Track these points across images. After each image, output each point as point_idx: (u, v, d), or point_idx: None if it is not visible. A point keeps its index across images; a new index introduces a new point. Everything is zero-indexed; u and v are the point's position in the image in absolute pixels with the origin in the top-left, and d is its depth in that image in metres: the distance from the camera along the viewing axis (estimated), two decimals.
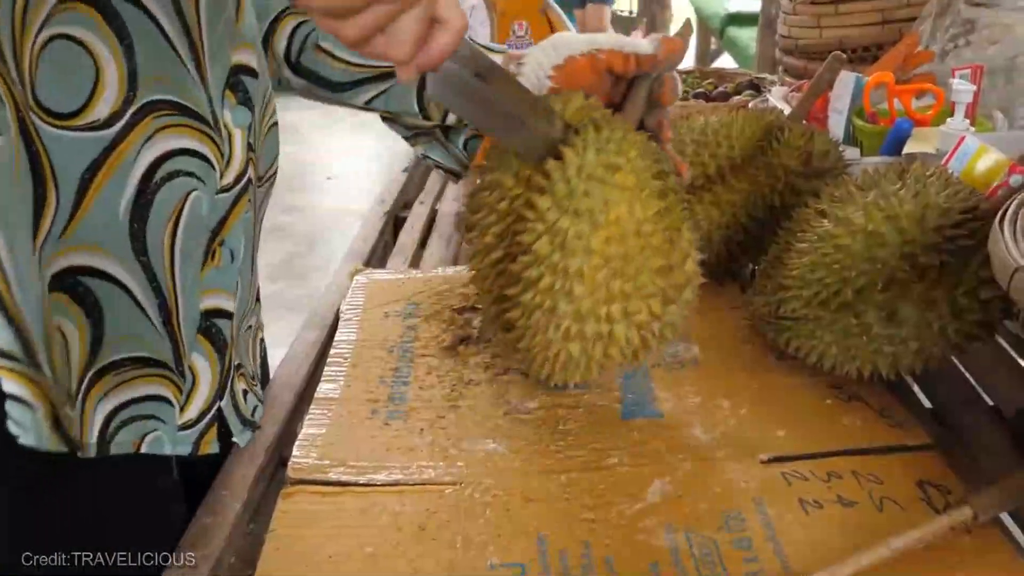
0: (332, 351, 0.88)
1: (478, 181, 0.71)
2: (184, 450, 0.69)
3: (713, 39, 4.95)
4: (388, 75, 0.86)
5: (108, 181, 0.60)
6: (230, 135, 0.68)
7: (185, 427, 0.69)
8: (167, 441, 0.68)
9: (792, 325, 0.77)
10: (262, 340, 0.88)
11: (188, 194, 0.65)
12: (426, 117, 0.88)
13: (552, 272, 0.64)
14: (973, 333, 0.72)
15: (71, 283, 0.61)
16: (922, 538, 0.58)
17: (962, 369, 0.82)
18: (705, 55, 5.16)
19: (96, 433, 0.64)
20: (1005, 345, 0.85)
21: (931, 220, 0.72)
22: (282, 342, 0.96)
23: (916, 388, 0.81)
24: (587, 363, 0.68)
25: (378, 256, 1.26)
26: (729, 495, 0.66)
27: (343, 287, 1.04)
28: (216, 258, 0.69)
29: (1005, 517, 0.62)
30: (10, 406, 0.60)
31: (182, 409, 0.68)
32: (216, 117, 0.66)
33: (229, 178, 0.69)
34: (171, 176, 0.63)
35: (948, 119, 1.06)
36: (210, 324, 0.69)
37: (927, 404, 0.79)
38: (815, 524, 0.62)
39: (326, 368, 0.86)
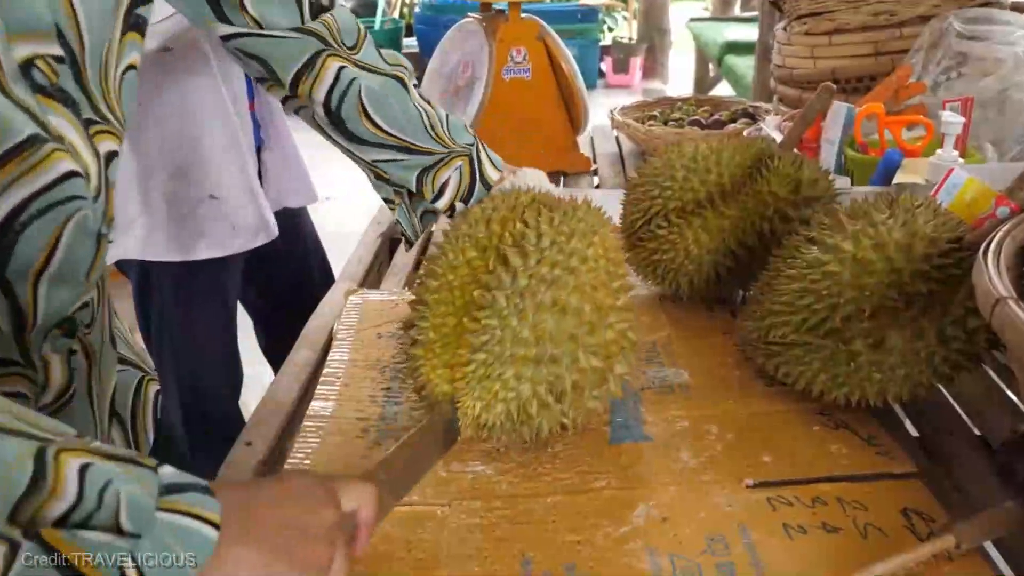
0: (325, 370, 0.89)
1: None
2: None
3: (711, 66, 4.99)
4: (409, 150, 0.88)
5: None
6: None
7: None
8: None
9: (781, 351, 0.78)
10: (156, 395, 0.81)
11: None
12: (419, 191, 0.90)
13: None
14: (960, 362, 0.73)
15: None
16: (904, 564, 0.59)
17: (949, 398, 0.83)
18: (703, 83, 5.20)
19: None
20: (992, 375, 0.86)
21: (919, 249, 0.73)
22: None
23: (903, 417, 0.81)
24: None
25: (373, 277, 1.26)
26: (714, 519, 0.66)
27: (337, 307, 1.04)
28: None
29: (987, 544, 0.62)
30: None
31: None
32: None
33: None
34: None
35: (938, 150, 1.08)
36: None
37: (914, 433, 0.80)
38: (799, 549, 0.63)
39: (318, 387, 0.86)
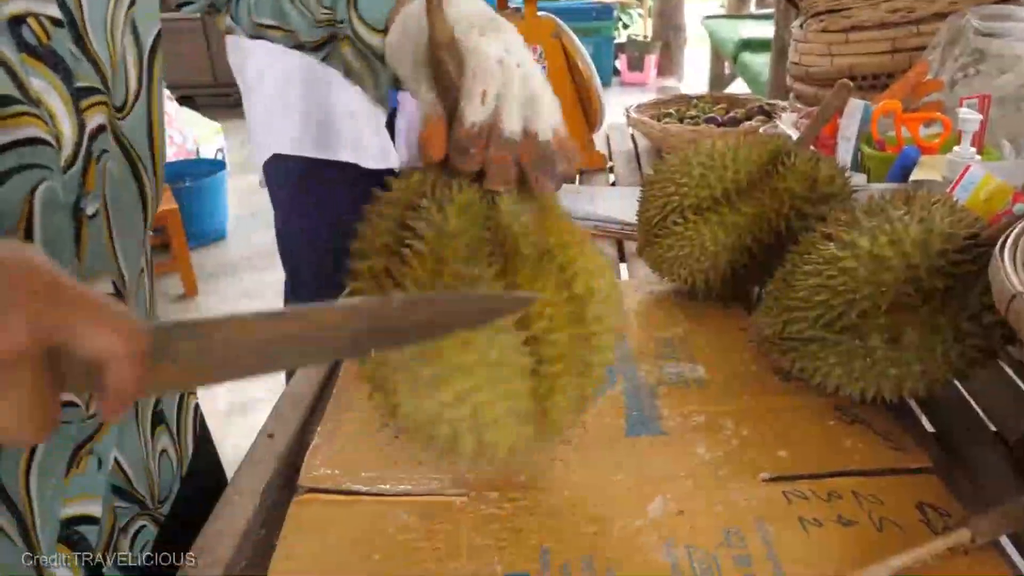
0: (343, 363, 0.90)
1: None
2: None
3: (727, 64, 4.98)
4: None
5: None
6: None
7: None
8: None
9: (797, 346, 0.79)
10: (195, 408, 0.85)
11: None
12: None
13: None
14: (976, 357, 0.73)
15: None
16: (920, 557, 0.59)
17: (965, 394, 0.83)
18: (718, 80, 5.19)
19: None
20: (1009, 371, 0.86)
21: (935, 245, 0.73)
22: None
23: (919, 412, 0.82)
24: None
25: None
26: (730, 512, 0.67)
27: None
28: (80, 466, 0.63)
29: (1003, 538, 0.63)
30: None
31: None
32: None
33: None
34: None
35: (955, 147, 1.08)
36: (72, 532, 0.63)
37: (930, 428, 0.80)
38: (814, 542, 0.63)
39: (338, 380, 0.87)
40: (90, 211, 0.59)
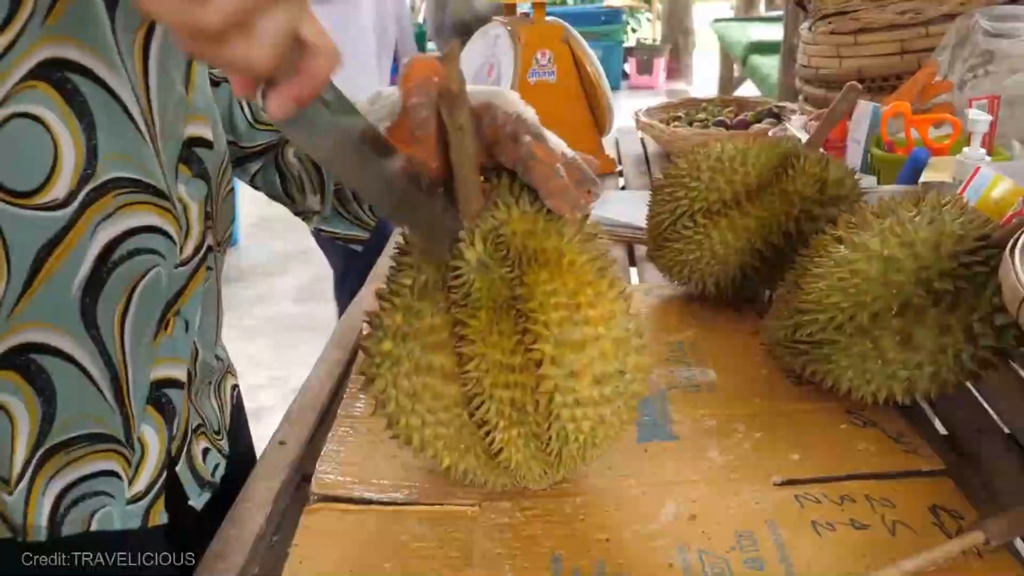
0: (355, 371, 0.90)
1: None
2: (133, 524, 0.67)
3: (736, 67, 4.97)
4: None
5: (63, 259, 0.58)
6: (186, 208, 0.67)
7: (134, 500, 0.67)
8: (116, 517, 0.65)
9: (808, 349, 0.78)
10: (234, 388, 0.87)
11: (148, 270, 0.63)
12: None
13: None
14: (988, 359, 0.73)
15: (22, 361, 0.59)
16: (934, 560, 0.59)
17: (977, 396, 0.83)
18: (727, 83, 5.18)
19: (46, 515, 0.62)
20: (1021, 372, 0.86)
21: (946, 247, 0.73)
22: (307, 362, 0.98)
23: (932, 414, 0.81)
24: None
25: None
26: (742, 516, 0.66)
27: (368, 306, 1.06)
28: (169, 328, 0.67)
29: (1016, 541, 0.63)
30: None
31: (130, 482, 0.66)
32: (171, 191, 0.65)
33: (188, 251, 0.68)
34: (132, 254, 0.62)
35: (965, 148, 1.07)
36: (160, 394, 0.68)
37: (942, 430, 0.80)
38: (827, 546, 0.63)
39: (349, 387, 0.87)
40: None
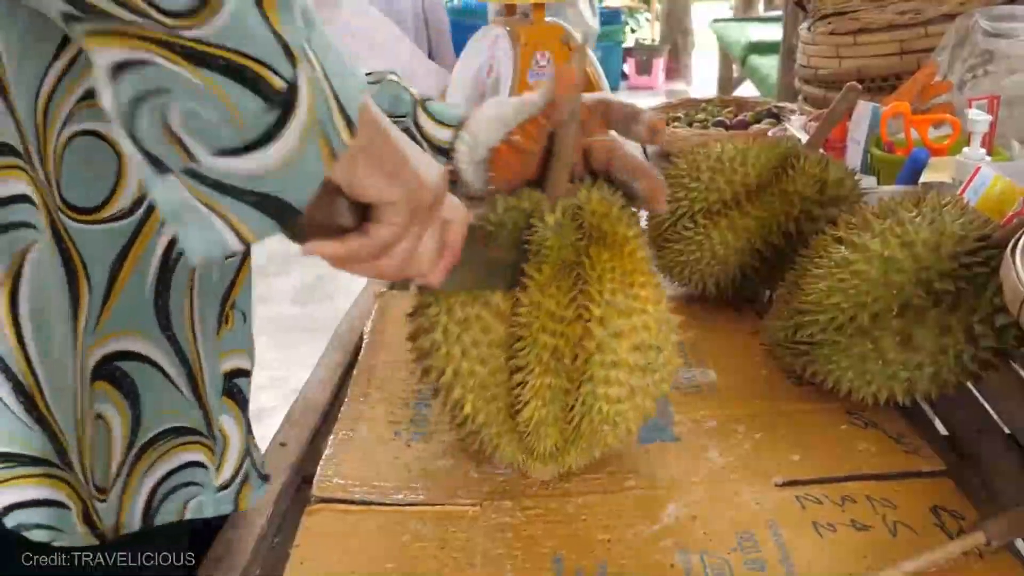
0: (355, 372, 0.90)
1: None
2: (226, 509, 0.69)
3: (735, 67, 4.97)
4: None
5: (136, 266, 0.60)
6: None
7: (223, 487, 0.69)
8: (209, 504, 0.68)
9: (808, 350, 0.78)
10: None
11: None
12: None
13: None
14: (988, 359, 0.73)
15: (110, 370, 0.61)
16: (935, 561, 0.59)
17: (978, 396, 0.83)
18: (727, 83, 5.18)
19: (140, 510, 0.64)
20: (1022, 373, 0.86)
21: (947, 247, 0.73)
22: (307, 363, 0.98)
23: (932, 415, 0.82)
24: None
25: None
26: (743, 517, 0.67)
27: (367, 309, 1.06)
28: (230, 321, 0.69)
29: (1017, 541, 0.63)
30: (39, 513, 0.60)
31: (217, 470, 0.68)
32: None
33: None
34: None
35: (964, 148, 1.07)
36: (232, 385, 0.70)
37: (943, 431, 0.80)
38: (828, 547, 0.63)
39: (350, 389, 0.87)
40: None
